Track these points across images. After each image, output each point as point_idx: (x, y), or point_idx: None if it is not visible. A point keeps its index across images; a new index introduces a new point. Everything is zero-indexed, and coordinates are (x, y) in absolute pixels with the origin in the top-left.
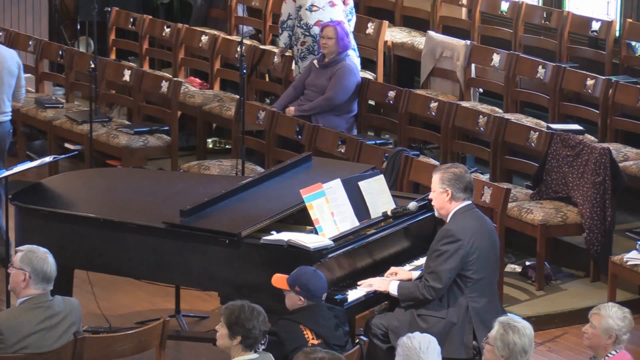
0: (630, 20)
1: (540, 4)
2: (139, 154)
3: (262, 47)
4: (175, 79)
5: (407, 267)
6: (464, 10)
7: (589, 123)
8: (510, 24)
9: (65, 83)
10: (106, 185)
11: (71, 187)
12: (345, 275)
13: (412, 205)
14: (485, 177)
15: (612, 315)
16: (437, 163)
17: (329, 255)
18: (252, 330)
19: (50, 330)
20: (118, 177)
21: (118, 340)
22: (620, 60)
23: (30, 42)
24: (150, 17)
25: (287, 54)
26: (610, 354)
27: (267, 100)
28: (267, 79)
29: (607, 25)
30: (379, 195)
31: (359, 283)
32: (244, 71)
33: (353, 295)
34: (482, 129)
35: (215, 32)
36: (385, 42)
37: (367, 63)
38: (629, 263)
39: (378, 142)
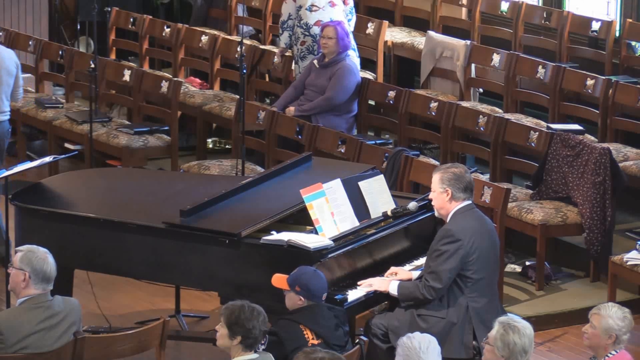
0: (630, 20)
1: (540, 4)
2: (139, 154)
3: (262, 47)
4: (175, 79)
5: (407, 267)
6: (464, 10)
7: (589, 123)
8: (510, 24)
9: (65, 83)
10: (106, 185)
11: (71, 187)
12: (345, 275)
13: (412, 205)
14: (485, 177)
15: (612, 315)
16: (437, 163)
17: (329, 255)
18: (252, 330)
19: (50, 330)
20: (118, 177)
21: (118, 340)
22: (620, 60)
23: (30, 42)
24: (150, 17)
25: (287, 54)
26: (610, 354)
27: (267, 100)
28: (267, 79)
29: (607, 25)
30: (379, 195)
31: (359, 283)
32: (244, 71)
33: (353, 295)
34: (482, 129)
35: (215, 32)
36: (385, 42)
37: (367, 63)
38: (629, 263)
39: (378, 142)
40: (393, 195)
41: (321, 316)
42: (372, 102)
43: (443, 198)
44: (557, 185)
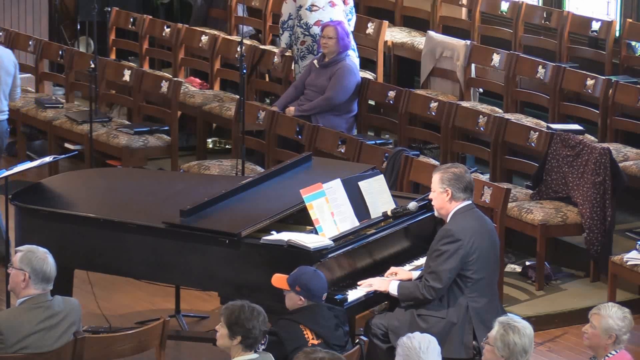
0: (630, 20)
1: (540, 4)
2: (139, 154)
3: (262, 47)
4: (175, 79)
5: (407, 267)
6: (464, 10)
7: (589, 123)
8: (510, 24)
9: (65, 83)
10: (106, 185)
11: (71, 187)
12: (345, 275)
13: (412, 205)
14: (485, 177)
15: (612, 315)
16: (437, 163)
17: (329, 255)
18: (252, 330)
19: (50, 330)
20: (118, 177)
21: (118, 340)
22: (620, 60)
23: (30, 42)
24: (150, 17)
25: (287, 54)
26: (610, 354)
27: (267, 100)
28: (267, 79)
29: (607, 25)
30: (379, 195)
31: (359, 283)
32: (244, 71)
33: (353, 295)
34: (482, 129)
35: (215, 32)
36: (385, 42)
37: (367, 63)
38: (629, 263)
39: (378, 142)
40: (393, 195)
41: (321, 316)
42: (372, 102)
43: (443, 198)
44: (557, 185)
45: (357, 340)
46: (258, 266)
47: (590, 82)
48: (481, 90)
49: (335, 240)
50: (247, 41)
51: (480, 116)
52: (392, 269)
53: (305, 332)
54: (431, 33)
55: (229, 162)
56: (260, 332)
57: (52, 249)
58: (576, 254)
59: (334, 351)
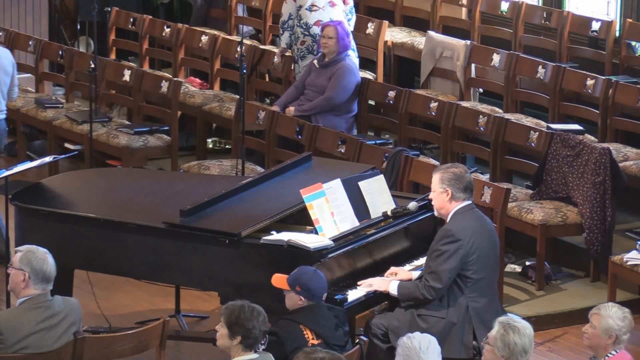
0: (630, 20)
1: (540, 4)
2: (139, 154)
3: (262, 47)
4: (175, 79)
5: (407, 267)
6: (464, 10)
7: (589, 123)
8: (510, 24)
9: (65, 83)
10: (106, 185)
11: (71, 187)
12: (345, 275)
13: (412, 205)
14: (485, 177)
15: (612, 315)
16: (437, 163)
17: (329, 255)
18: (252, 330)
19: (50, 330)
20: (118, 177)
21: (118, 340)
22: (620, 60)
23: (30, 42)
24: (150, 17)
25: (287, 54)
26: (610, 354)
27: (267, 100)
28: (267, 79)
29: (607, 25)
30: (379, 195)
31: (359, 283)
32: (244, 71)
33: (353, 295)
34: (482, 129)
35: (215, 32)
36: (385, 42)
37: (367, 63)
38: (629, 263)
39: (378, 142)
40: (393, 195)
41: (321, 316)
42: (372, 102)
43: (443, 198)
44: (557, 185)
45: (357, 340)
46: (258, 266)
47: (590, 82)
48: (481, 90)
49: (335, 240)
50: (247, 41)
51: (480, 116)
52: (392, 269)
53: (305, 332)
54: (431, 33)
55: (229, 162)
56: (260, 332)
57: (52, 249)
58: (576, 254)
59: (334, 351)
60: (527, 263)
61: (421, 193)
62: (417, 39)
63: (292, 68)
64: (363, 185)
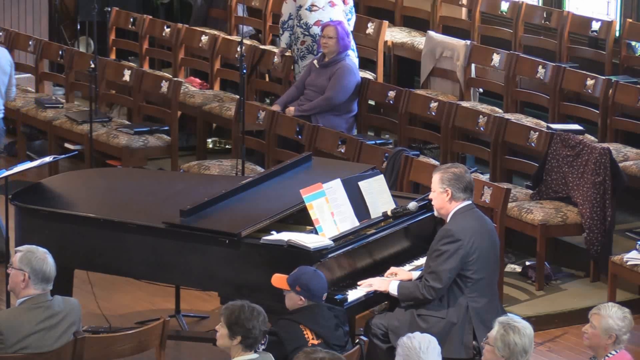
0: (630, 20)
1: (540, 4)
2: (139, 154)
3: (262, 47)
4: (175, 79)
5: (407, 267)
6: (464, 10)
7: (589, 123)
8: (510, 24)
9: (65, 83)
10: (106, 185)
11: (71, 187)
12: (345, 275)
13: (412, 205)
14: (485, 177)
15: (612, 315)
16: (437, 163)
17: (329, 255)
18: (252, 330)
19: (50, 330)
20: (118, 177)
21: (118, 340)
22: (620, 60)
23: (30, 42)
24: (150, 17)
25: (287, 54)
26: (610, 354)
27: (267, 100)
28: (267, 79)
29: (607, 25)
30: (379, 195)
31: (359, 283)
32: (244, 71)
33: (353, 295)
34: (482, 129)
35: (215, 32)
36: (385, 42)
37: (367, 63)
38: (629, 263)
39: (378, 142)
40: (393, 195)
41: (321, 316)
42: (372, 102)
43: (443, 198)
44: (557, 185)
45: (357, 340)
46: (258, 266)
47: (590, 82)
48: (481, 90)
49: (335, 240)
50: (247, 41)
51: (480, 116)
52: (392, 269)
53: (305, 332)
54: (431, 33)
55: (229, 162)
56: (260, 332)
57: (52, 249)
58: (576, 254)
59: (334, 351)
60: (527, 263)
61: (421, 193)
62: (417, 39)
63: (292, 68)
64: (363, 185)
